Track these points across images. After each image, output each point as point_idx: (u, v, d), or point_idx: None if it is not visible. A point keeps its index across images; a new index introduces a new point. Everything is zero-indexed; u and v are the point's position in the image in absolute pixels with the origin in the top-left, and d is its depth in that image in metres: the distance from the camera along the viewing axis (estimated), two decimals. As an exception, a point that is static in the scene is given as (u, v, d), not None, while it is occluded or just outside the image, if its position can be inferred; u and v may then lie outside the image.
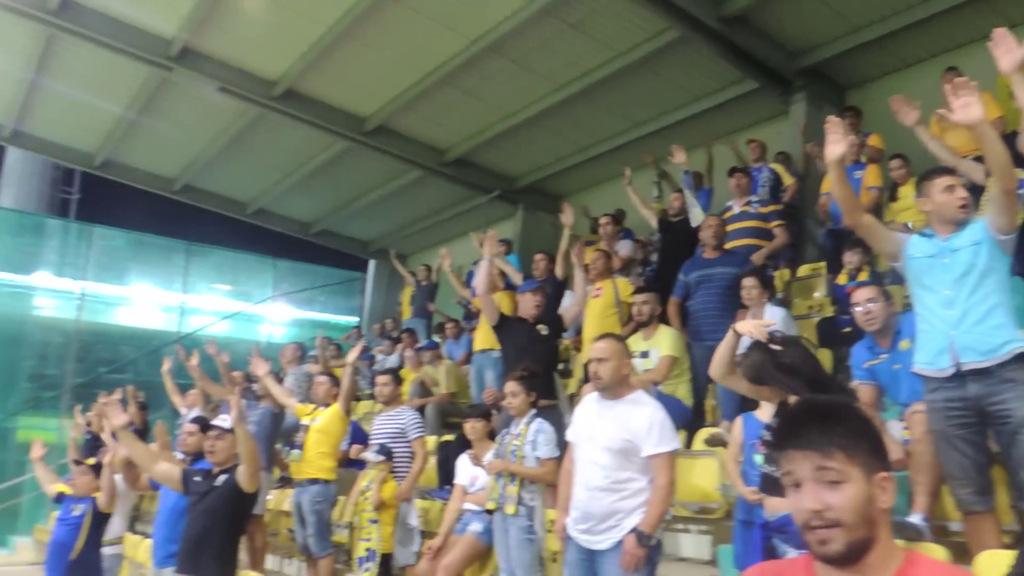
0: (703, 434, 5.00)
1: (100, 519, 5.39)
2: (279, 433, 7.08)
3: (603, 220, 8.22)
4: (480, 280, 5.68)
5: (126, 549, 6.20)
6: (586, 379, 5.91)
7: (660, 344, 5.34)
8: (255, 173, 13.36)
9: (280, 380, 7.10)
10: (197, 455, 5.02)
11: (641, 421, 3.33)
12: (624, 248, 8.24)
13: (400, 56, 9.50)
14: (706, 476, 4.64)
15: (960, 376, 3.14)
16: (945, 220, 3.30)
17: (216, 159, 12.76)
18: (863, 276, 5.53)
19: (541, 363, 5.60)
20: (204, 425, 4.76)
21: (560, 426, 4.27)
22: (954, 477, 3.17)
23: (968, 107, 3.01)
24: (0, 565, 11.24)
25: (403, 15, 8.65)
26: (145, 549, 5.66)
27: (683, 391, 5.31)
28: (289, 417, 7.03)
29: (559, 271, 7.14)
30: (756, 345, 3.25)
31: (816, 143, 7.19)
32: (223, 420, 4.49)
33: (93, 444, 9.13)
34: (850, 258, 5.79)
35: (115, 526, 5.84)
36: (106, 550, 5.56)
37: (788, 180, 7.63)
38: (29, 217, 18.27)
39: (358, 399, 9.59)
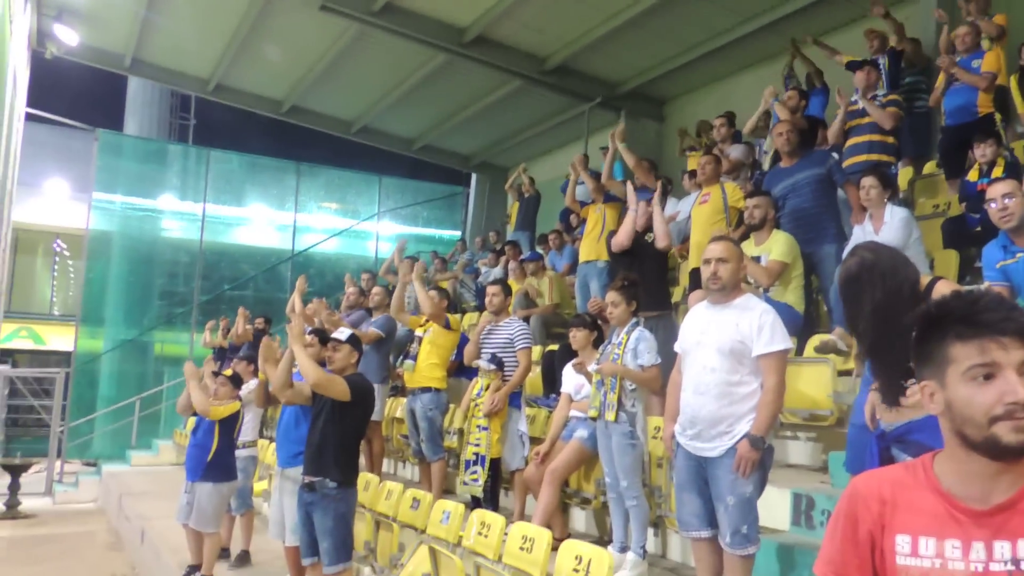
0: (814, 341, 4.83)
1: (232, 424, 5.79)
2: (393, 344, 7.37)
3: (717, 122, 7.91)
4: (624, 230, 5.73)
5: (258, 452, 6.71)
6: (693, 287, 5.87)
7: (772, 249, 5.14)
8: (358, 91, 13.50)
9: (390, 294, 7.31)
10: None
11: (752, 322, 3.25)
12: (736, 151, 7.89)
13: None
14: (816, 384, 4.51)
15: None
16: None
17: (320, 79, 12.96)
18: (998, 172, 5.09)
19: (652, 272, 5.58)
20: (323, 337, 4.97)
21: (673, 335, 4.22)
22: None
23: None
24: (146, 465, 12.40)
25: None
26: (272, 452, 6.07)
27: (793, 297, 5.12)
28: (401, 328, 7.30)
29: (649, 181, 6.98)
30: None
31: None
32: (341, 333, 4.68)
33: (220, 355, 9.78)
34: (983, 151, 5.33)
35: (247, 430, 6.28)
36: (240, 452, 5.99)
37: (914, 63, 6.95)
38: (152, 143, 19.25)
39: (463, 311, 9.80)
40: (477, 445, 5.44)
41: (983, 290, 1.37)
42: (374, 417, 5.98)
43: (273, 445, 5.93)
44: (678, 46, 10.90)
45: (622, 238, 5.75)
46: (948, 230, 5.39)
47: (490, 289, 6.16)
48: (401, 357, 7.01)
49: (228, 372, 6.50)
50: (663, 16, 10.00)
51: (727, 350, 3.26)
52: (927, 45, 7.64)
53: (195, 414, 5.80)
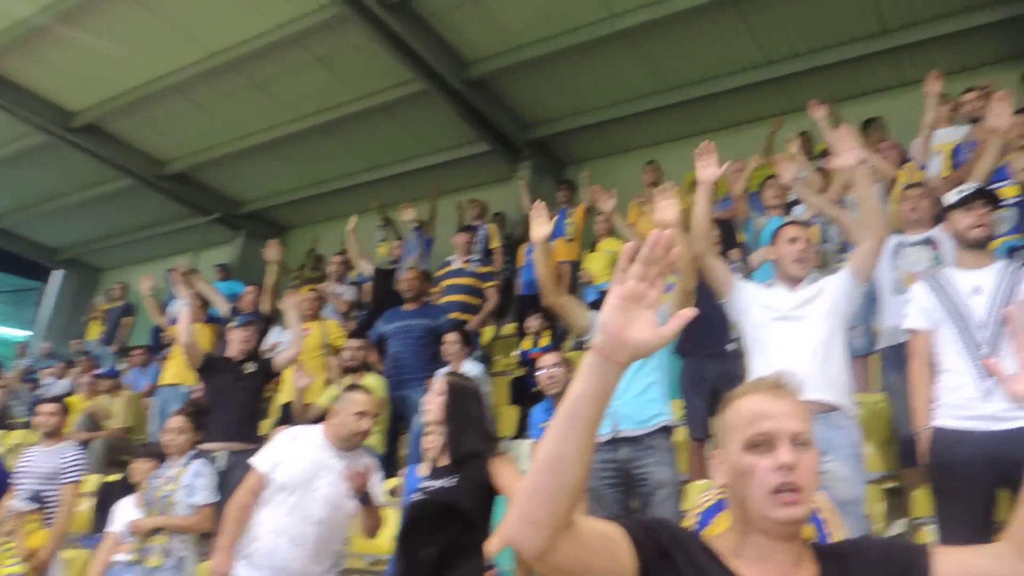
0: (390, 483, 4.93)
1: None
2: None
3: (335, 259, 8.09)
4: (182, 327, 5.21)
5: None
6: (282, 421, 5.68)
7: (359, 390, 5.23)
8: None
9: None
10: None
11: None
12: (349, 292, 8.11)
13: (127, 54, 8.59)
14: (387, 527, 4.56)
15: (614, 441, 3.43)
16: None
17: None
18: (544, 341, 5.91)
19: (245, 403, 5.25)
20: None
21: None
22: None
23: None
24: None
25: (136, 12, 7.89)
26: None
27: (375, 439, 5.22)
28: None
29: (264, 305, 6.82)
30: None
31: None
32: None
33: None
34: (531, 323, 6.18)
35: None
36: None
37: (495, 243, 7.99)
38: None
39: (10, 427, 8.30)
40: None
41: None
42: None
43: None
44: (306, 179, 11.09)
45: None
46: (514, 388, 6.05)
47: (44, 407, 5.27)
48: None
49: None
50: (295, 148, 10.16)
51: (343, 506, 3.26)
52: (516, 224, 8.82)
53: None
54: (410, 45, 7.89)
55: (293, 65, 8.56)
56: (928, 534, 3.35)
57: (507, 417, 5.73)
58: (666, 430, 3.49)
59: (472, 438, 2.90)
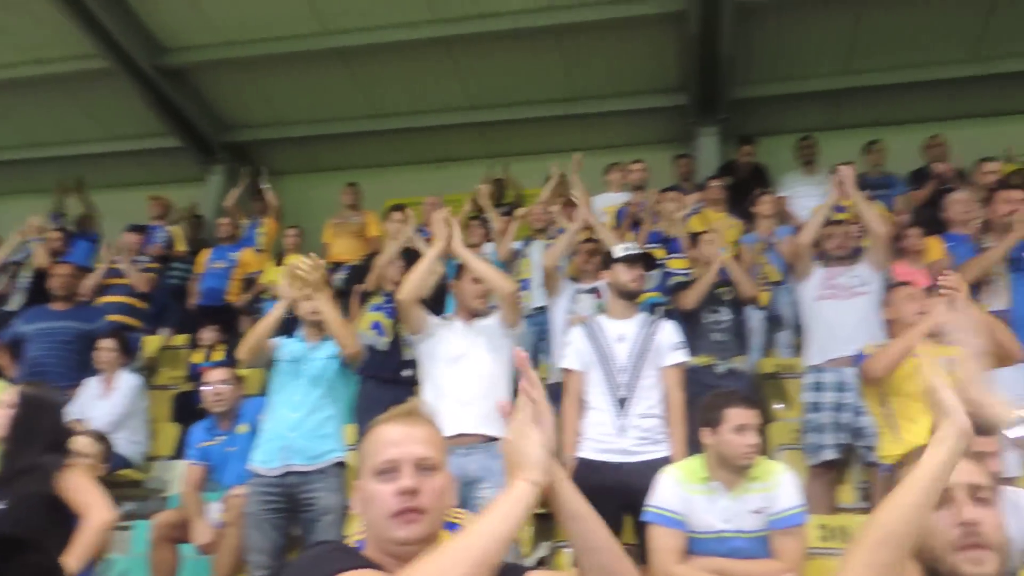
0: None
1: None
2: None
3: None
4: None
5: None
6: None
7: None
8: None
9: None
10: None
11: None
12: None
13: None
14: None
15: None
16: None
17: None
18: (217, 355, 5.56)
19: None
20: None
21: None
22: (256, 553, 3.27)
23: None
24: None
25: None
26: None
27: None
28: None
29: None
30: None
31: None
32: None
33: None
34: (205, 335, 5.83)
35: None
36: None
37: (181, 246, 7.40)
38: None
39: None
40: None
41: None
42: None
43: None
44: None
45: None
46: (178, 404, 5.56)
47: None
48: None
49: None
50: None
51: None
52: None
53: None
54: (95, 14, 7.09)
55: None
56: (566, 556, 3.66)
57: (166, 434, 5.24)
58: (339, 464, 3.45)
59: (31, 453, 2.64)
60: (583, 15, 7.24)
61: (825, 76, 7.71)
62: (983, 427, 1.41)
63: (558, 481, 1.25)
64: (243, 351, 3.51)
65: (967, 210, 4.91)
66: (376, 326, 4.88)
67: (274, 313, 3.48)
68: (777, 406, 5.02)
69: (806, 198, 6.22)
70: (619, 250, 3.64)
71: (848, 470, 4.16)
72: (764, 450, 3.05)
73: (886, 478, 3.18)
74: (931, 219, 5.32)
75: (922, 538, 1.37)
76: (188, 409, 5.31)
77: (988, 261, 4.05)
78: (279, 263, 6.71)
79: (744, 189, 6.51)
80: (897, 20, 7.06)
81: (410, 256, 4.85)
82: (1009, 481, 2.58)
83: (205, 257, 7.01)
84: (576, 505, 1.26)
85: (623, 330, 3.48)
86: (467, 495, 3.10)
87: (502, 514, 1.15)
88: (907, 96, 7.71)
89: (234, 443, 3.78)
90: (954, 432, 1.31)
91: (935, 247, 4.99)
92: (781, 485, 2.79)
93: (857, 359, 3.49)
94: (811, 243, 4.25)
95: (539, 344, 5.19)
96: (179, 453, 5.10)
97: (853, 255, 4.31)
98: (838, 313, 4.08)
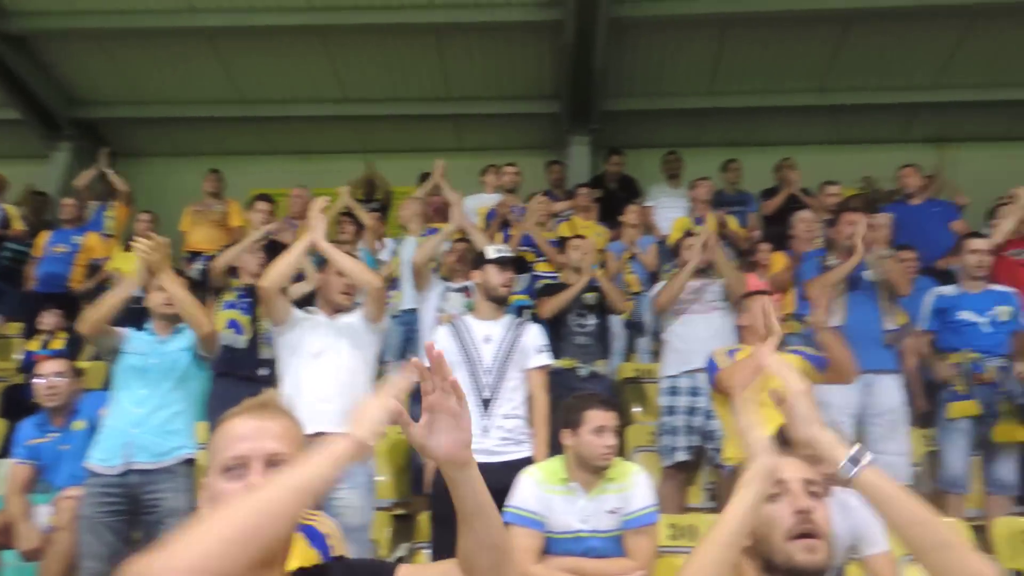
0: None
1: None
2: None
3: None
4: None
5: None
6: None
7: None
8: None
9: None
10: None
11: None
12: None
13: None
14: None
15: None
16: None
17: None
18: (56, 344, 5.14)
19: None
20: None
21: None
22: (90, 559, 3.05)
23: None
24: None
25: None
26: None
27: None
28: None
29: None
30: None
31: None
32: None
33: None
34: (46, 320, 5.40)
35: None
36: None
37: (18, 225, 6.78)
38: None
39: None
40: None
41: None
42: None
43: None
44: None
45: None
46: (7, 397, 5.10)
47: None
48: None
49: None
50: None
51: None
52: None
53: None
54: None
55: None
56: (424, 557, 3.63)
57: (-3, 432, 4.78)
58: (188, 461, 3.25)
59: None
60: (462, 16, 7.25)
61: (691, 95, 8.07)
62: (815, 462, 1.50)
63: (468, 472, 1.21)
64: (85, 324, 3.26)
65: (810, 229, 5.27)
66: (233, 324, 4.65)
67: (121, 290, 3.26)
68: (635, 409, 5.20)
69: (670, 209, 6.52)
70: (491, 252, 3.65)
71: (698, 472, 4.37)
72: (621, 452, 3.14)
73: (730, 480, 3.34)
74: (778, 235, 5.69)
75: (757, 531, 1.45)
76: (18, 403, 4.89)
77: (835, 278, 4.31)
78: (128, 250, 6.30)
79: (613, 199, 6.74)
80: (756, 49, 7.50)
81: (272, 248, 4.68)
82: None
83: (45, 240, 6.48)
84: (483, 499, 1.23)
85: (490, 331, 3.49)
86: (324, 496, 3.01)
87: (308, 463, 1.09)
88: (762, 120, 8.22)
89: (68, 440, 3.51)
90: (761, 474, 1.40)
91: (779, 261, 5.35)
92: (636, 486, 2.88)
93: (710, 366, 3.62)
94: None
95: (406, 344, 5.15)
96: (4, 451, 4.69)
97: (710, 269, 4.50)
98: (695, 327, 4.26)
